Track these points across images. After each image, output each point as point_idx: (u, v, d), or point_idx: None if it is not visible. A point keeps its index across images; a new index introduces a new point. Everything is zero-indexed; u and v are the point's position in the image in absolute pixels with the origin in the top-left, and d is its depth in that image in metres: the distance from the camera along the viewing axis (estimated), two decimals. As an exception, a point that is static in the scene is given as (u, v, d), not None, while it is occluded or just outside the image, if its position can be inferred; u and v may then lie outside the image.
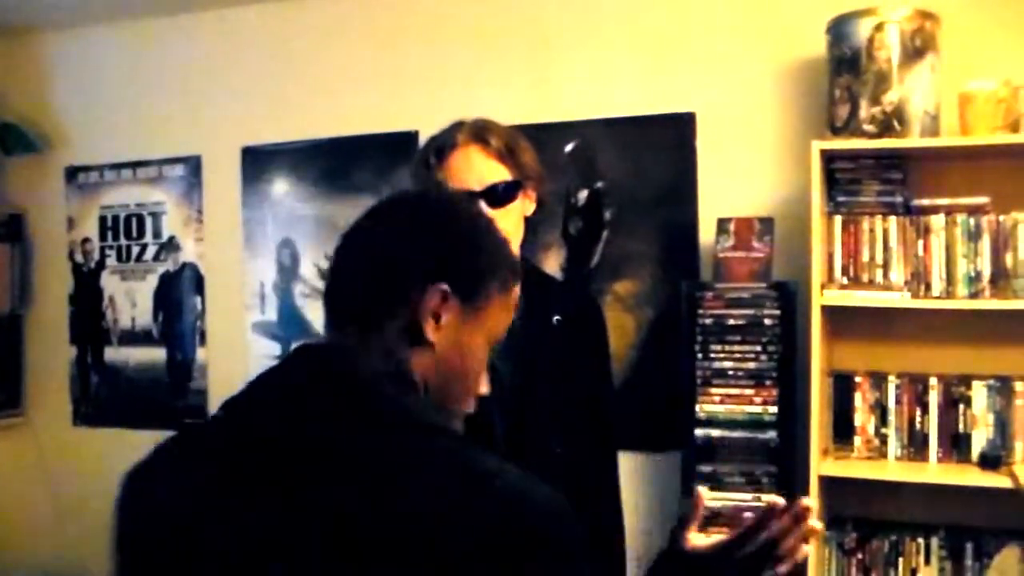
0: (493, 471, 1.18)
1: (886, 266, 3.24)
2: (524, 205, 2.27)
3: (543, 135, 3.77)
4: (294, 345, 1.99)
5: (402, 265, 1.32)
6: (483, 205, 2.13)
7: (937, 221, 3.22)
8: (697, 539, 1.52)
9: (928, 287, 3.21)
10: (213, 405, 4.52)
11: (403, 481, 1.15)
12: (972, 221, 3.19)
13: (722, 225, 3.44)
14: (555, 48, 3.93)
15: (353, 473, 1.17)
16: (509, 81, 3.97)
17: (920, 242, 3.23)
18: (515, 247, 2.15)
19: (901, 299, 3.20)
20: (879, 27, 3.18)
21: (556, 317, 2.30)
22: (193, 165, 4.58)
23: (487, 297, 1.36)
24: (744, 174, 3.63)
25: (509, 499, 1.15)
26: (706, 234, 3.59)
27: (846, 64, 3.24)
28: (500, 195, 2.19)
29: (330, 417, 1.21)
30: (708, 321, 3.32)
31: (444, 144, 2.22)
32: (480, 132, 2.22)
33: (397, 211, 1.42)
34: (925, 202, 3.26)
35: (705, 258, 3.60)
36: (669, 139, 3.72)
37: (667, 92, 3.75)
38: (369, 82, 4.22)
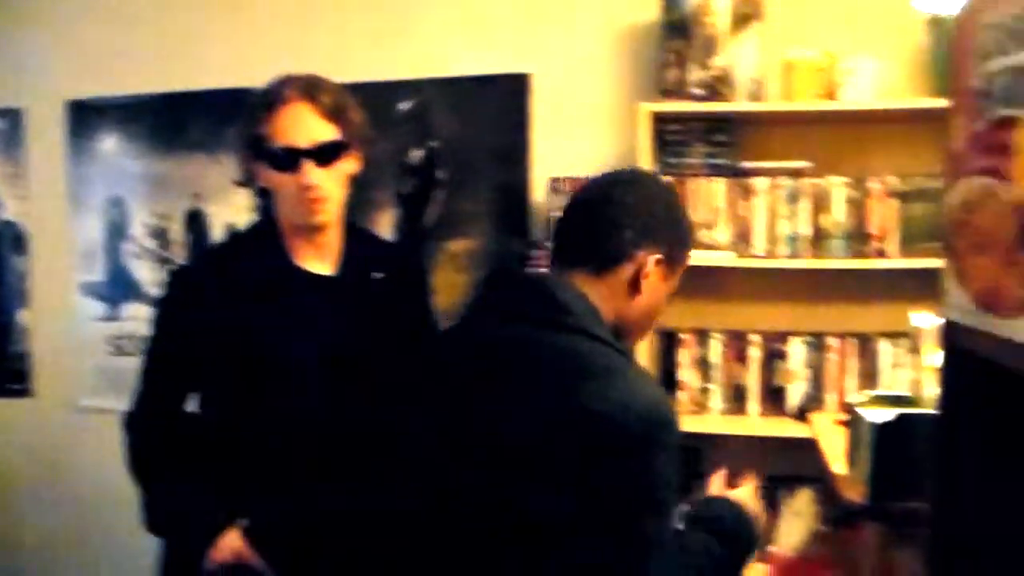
0: (623, 370, 1.65)
1: (712, 226, 3.37)
2: (350, 165, 2.27)
3: (378, 93, 3.80)
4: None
5: (636, 232, 1.76)
6: (310, 163, 2.15)
7: (761, 183, 3.36)
8: None
9: (751, 247, 3.35)
10: (38, 369, 4.43)
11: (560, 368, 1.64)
12: (793, 184, 3.34)
13: (554, 185, 3.52)
14: (392, 5, 3.93)
15: (531, 363, 1.67)
16: (345, 37, 3.95)
17: (744, 203, 3.36)
18: (336, 206, 2.19)
19: (726, 258, 3.33)
20: (708, -7, 3.30)
21: (376, 274, 2.32)
22: (13, 119, 4.44)
23: (681, 265, 1.85)
24: (577, 135, 3.71)
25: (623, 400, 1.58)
26: (538, 193, 3.67)
27: (677, 29, 3.35)
28: (328, 154, 2.18)
29: (529, 322, 1.71)
30: (539, 279, 3.38)
31: (273, 99, 2.18)
32: (310, 88, 2.19)
33: (635, 185, 1.85)
34: (750, 165, 3.40)
35: (538, 218, 3.67)
36: (504, 99, 3.77)
37: (503, 52, 3.80)
38: (202, 36, 4.15)
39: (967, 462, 1.12)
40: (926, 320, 1.71)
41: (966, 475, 1.12)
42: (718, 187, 3.38)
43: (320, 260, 2.27)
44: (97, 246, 4.35)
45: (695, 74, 3.33)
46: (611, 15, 3.70)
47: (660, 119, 3.41)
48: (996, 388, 1.01)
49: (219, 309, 2.19)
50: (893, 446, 1.51)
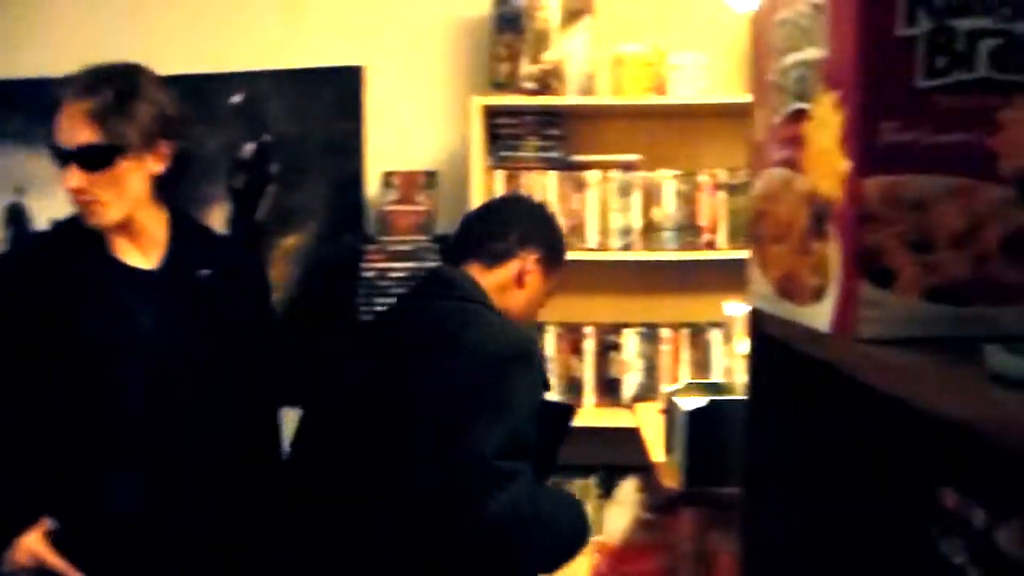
0: (496, 319, 2.09)
1: (544, 219, 3.40)
2: (144, 165, 2.16)
3: (208, 86, 3.73)
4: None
5: (520, 235, 2.21)
6: (74, 166, 2.07)
7: (593, 176, 3.41)
8: None
9: (583, 239, 3.40)
10: None
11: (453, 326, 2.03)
12: (625, 177, 3.40)
13: (387, 179, 3.50)
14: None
15: (426, 322, 2.08)
16: (173, 27, 3.84)
17: (577, 196, 3.41)
18: (115, 210, 2.12)
19: (559, 251, 3.37)
20: (539, -13, 3.33)
21: (203, 271, 2.26)
22: None
23: (558, 269, 2.29)
24: (411, 129, 3.70)
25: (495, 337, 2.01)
26: (373, 188, 3.65)
27: (509, 22, 3.37)
28: (93, 159, 2.08)
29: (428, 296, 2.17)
30: (371, 274, 3.38)
31: (57, 96, 2.10)
32: (88, 88, 2.09)
33: (521, 201, 2.51)
34: (582, 158, 3.45)
35: (372, 212, 3.65)
36: (338, 92, 3.73)
37: (336, 45, 3.75)
38: (19, 25, 3.99)
39: (775, 446, 1.15)
40: (737, 309, 1.77)
41: (774, 459, 1.15)
42: (550, 180, 3.42)
43: (142, 254, 2.21)
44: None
45: (527, 68, 3.35)
46: (445, 8, 3.70)
47: (493, 113, 3.43)
48: (798, 373, 1.04)
49: (35, 299, 2.13)
50: (705, 433, 1.56)
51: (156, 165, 2.18)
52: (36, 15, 3.97)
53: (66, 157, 2.07)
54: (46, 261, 2.19)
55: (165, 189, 2.23)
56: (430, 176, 3.47)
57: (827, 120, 0.80)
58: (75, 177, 2.06)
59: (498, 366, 1.92)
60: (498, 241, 2.21)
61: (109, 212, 2.12)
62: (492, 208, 2.43)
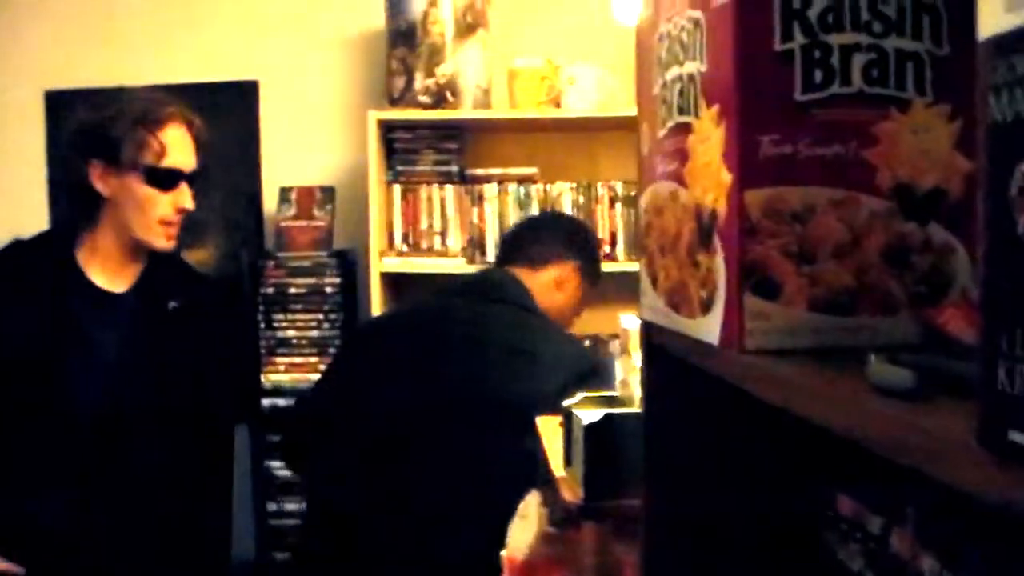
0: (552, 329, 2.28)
1: (444, 233, 3.40)
2: None
3: (97, 100, 3.65)
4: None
5: (563, 244, 2.42)
6: (185, 186, 2.13)
7: (490, 190, 3.41)
8: None
9: (484, 252, 3.39)
10: None
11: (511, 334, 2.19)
12: (522, 190, 3.41)
13: (284, 194, 3.47)
14: (111, 8, 3.78)
15: (491, 327, 2.21)
16: (59, 41, 3.76)
17: (475, 209, 3.41)
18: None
19: (458, 265, 3.36)
20: (433, 2, 3.31)
21: (172, 302, 2.22)
22: None
23: (593, 281, 2.49)
24: (307, 143, 3.67)
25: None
26: (270, 203, 3.61)
27: (402, 36, 3.35)
28: (199, 181, 2.20)
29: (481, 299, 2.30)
30: (270, 291, 3.34)
31: (158, 116, 2.11)
32: (187, 113, 2.18)
33: (564, 217, 3.03)
34: (479, 172, 3.45)
35: (269, 227, 3.61)
36: (233, 107, 3.69)
37: (230, 59, 3.71)
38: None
39: (673, 457, 1.16)
40: (632, 321, 1.77)
41: (673, 470, 1.16)
42: (448, 194, 3.41)
43: (115, 278, 2.17)
44: None
45: (422, 82, 3.34)
46: (338, 22, 3.68)
47: (389, 127, 3.41)
48: (692, 385, 1.05)
49: None
50: (603, 445, 1.56)
51: None
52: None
53: (182, 177, 2.12)
54: (14, 273, 2.15)
55: None
56: (327, 191, 3.45)
57: (708, 134, 0.81)
58: (190, 199, 2.13)
59: (574, 382, 2.02)
60: (541, 246, 2.41)
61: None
62: (537, 219, 2.88)
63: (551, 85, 3.37)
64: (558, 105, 3.37)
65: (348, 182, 3.55)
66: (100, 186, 2.09)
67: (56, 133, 3.66)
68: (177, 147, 2.12)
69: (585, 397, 1.73)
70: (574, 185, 3.41)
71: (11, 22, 3.80)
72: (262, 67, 3.70)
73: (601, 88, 3.37)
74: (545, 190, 3.40)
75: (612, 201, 3.40)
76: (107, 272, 2.16)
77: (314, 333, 3.32)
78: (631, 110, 3.27)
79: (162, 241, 2.13)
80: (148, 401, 2.14)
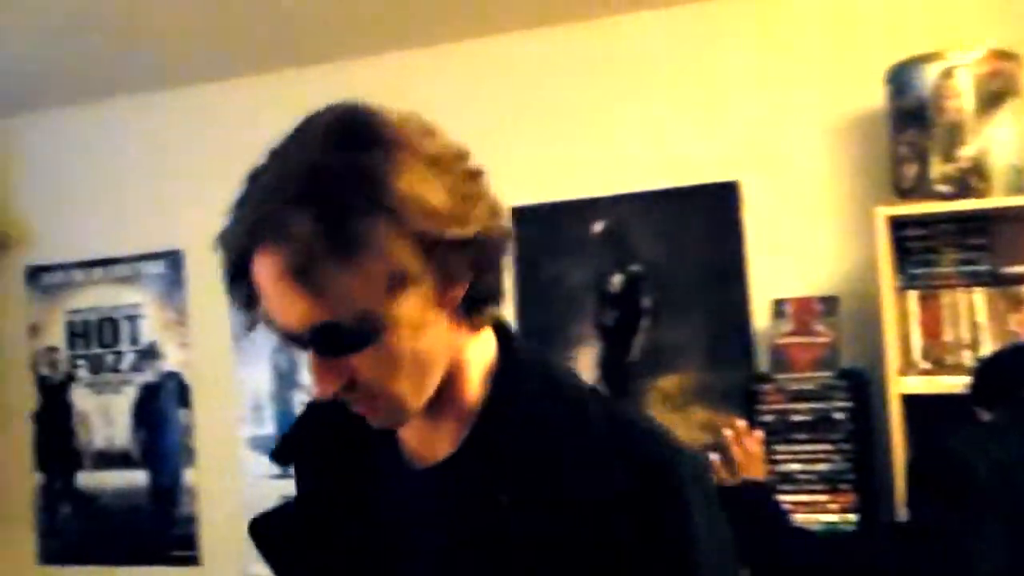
0: None
1: (974, 345, 3.05)
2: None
3: (567, 214, 3.67)
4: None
5: None
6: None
7: (1030, 291, 3.05)
8: None
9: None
10: (205, 534, 4.31)
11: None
12: (1071, 289, 3.02)
13: (778, 307, 3.28)
14: (573, 118, 3.79)
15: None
16: (524, 157, 3.81)
17: (1012, 316, 3.05)
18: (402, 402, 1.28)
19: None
20: (947, 73, 3.03)
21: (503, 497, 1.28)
22: (173, 261, 4.41)
23: None
24: (800, 248, 3.46)
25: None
26: (760, 319, 3.43)
27: (911, 117, 3.09)
28: (334, 342, 1.20)
29: None
30: (769, 418, 3.13)
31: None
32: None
33: None
34: (1016, 269, 3.10)
35: (761, 346, 3.43)
36: (711, 212, 3.57)
37: (705, 160, 3.59)
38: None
39: None
40: None
41: None
42: (977, 299, 3.08)
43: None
44: (265, 396, 4.24)
45: (939, 168, 3.03)
46: (828, 107, 3.47)
47: (899, 224, 3.12)
48: None
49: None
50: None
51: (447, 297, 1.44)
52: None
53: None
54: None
55: None
56: (829, 302, 3.20)
57: None
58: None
59: None
60: None
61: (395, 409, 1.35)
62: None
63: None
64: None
65: (852, 290, 3.30)
66: None
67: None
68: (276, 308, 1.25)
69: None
70: None
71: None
72: (743, 165, 3.54)
73: None
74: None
75: None
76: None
77: (822, 466, 3.05)
78: None
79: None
80: None
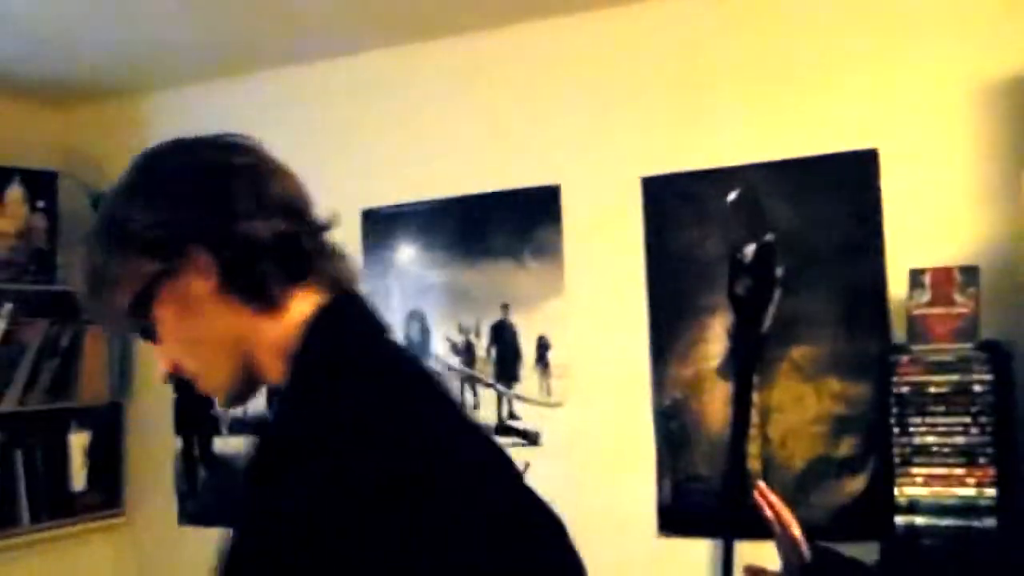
0: None
1: None
2: (182, 288, 1.41)
3: (700, 184, 3.69)
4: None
5: None
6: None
7: None
8: None
9: None
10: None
11: None
12: None
13: (916, 277, 3.24)
14: (706, 86, 3.80)
15: None
16: (656, 126, 3.84)
17: None
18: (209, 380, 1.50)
19: None
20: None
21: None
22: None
23: None
24: (939, 216, 3.42)
25: None
26: (897, 288, 3.40)
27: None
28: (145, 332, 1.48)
29: None
30: (905, 390, 3.11)
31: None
32: None
33: None
34: None
35: (897, 317, 3.40)
36: (847, 181, 3.54)
37: (842, 126, 3.57)
38: (503, 134, 4.13)
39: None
40: None
41: None
42: None
43: None
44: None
45: (1091, 132, 2.99)
46: (973, 68, 3.41)
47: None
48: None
49: None
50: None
51: (197, 280, 1.50)
52: (515, 130, 4.08)
53: None
54: None
55: None
56: (969, 271, 3.16)
57: None
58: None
59: None
60: None
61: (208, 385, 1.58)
62: None
63: None
64: None
65: (994, 260, 3.25)
66: None
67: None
68: None
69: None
70: None
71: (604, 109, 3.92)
72: (881, 131, 3.51)
73: None
74: None
75: None
76: None
77: (960, 439, 3.02)
78: None
79: None
80: None
